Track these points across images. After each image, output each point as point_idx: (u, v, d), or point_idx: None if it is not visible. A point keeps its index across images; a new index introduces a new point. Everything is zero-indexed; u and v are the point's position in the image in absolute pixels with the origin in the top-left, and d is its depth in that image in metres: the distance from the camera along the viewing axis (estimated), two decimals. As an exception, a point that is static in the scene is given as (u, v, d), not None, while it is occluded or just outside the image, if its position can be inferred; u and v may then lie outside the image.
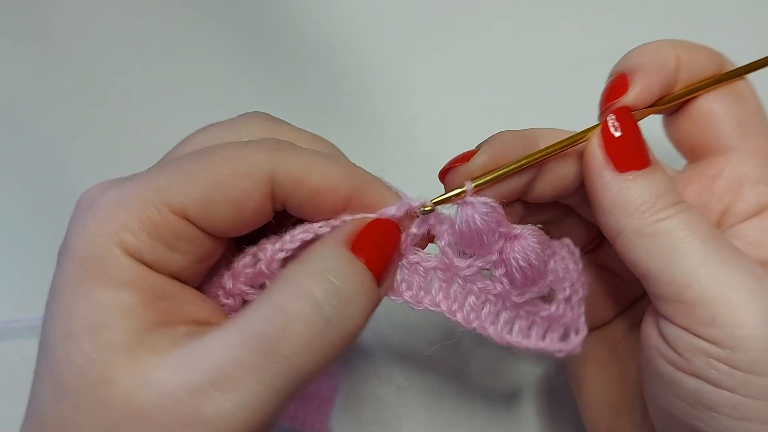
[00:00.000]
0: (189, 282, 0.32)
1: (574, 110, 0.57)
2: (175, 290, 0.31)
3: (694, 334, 0.31)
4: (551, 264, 0.37)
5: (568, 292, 0.37)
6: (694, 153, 0.38)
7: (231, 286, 0.33)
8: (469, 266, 0.35)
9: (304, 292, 0.29)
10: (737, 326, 0.30)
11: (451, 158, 0.36)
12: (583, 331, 0.38)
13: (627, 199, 0.33)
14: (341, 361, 0.49)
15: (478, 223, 0.34)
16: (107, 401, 0.28)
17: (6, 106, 0.59)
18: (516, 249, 0.35)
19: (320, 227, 0.32)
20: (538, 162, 0.35)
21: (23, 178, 0.57)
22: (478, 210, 0.34)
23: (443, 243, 0.35)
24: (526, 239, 0.35)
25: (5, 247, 0.55)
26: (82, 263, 0.29)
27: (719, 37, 0.60)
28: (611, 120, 0.35)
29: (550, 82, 0.59)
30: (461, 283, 0.35)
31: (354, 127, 0.58)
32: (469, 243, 0.35)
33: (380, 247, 0.32)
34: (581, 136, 0.35)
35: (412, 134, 0.57)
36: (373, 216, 0.33)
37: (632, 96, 0.35)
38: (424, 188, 0.56)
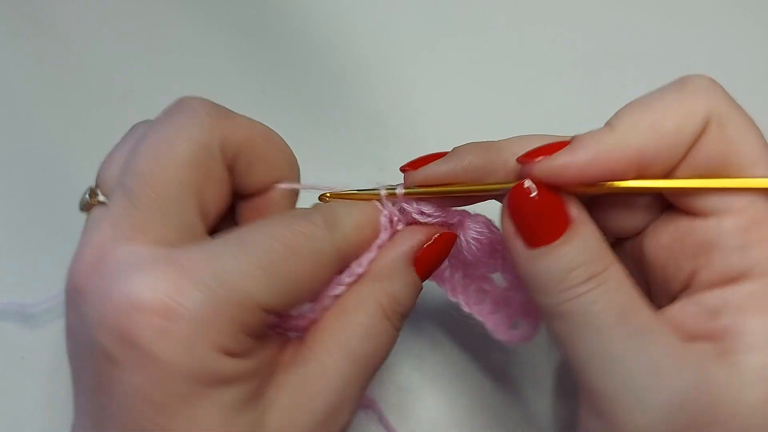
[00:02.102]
0: None
1: (575, 110, 0.57)
2: (263, 354, 0.32)
3: (599, 421, 0.30)
4: (498, 255, 0.38)
5: (514, 282, 0.39)
6: (676, 202, 0.34)
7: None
8: (475, 270, 0.40)
9: (383, 312, 0.34)
10: (630, 423, 0.29)
11: (419, 156, 0.36)
12: (530, 328, 0.39)
13: (536, 277, 0.31)
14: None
15: (474, 249, 0.37)
16: None
17: (6, 105, 0.59)
18: (470, 227, 0.37)
19: (360, 267, 0.36)
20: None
21: (23, 177, 0.57)
22: (470, 235, 0.37)
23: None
24: (478, 220, 0.37)
25: (5, 246, 0.55)
26: (191, 378, 0.28)
27: (720, 37, 0.60)
28: (520, 189, 0.31)
29: (551, 81, 0.58)
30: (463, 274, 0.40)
31: (354, 126, 0.58)
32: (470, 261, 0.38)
33: (438, 261, 0.37)
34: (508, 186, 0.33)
35: (413, 133, 0.57)
36: (435, 230, 0.36)
37: (541, 166, 0.31)
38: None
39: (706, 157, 0.31)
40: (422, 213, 0.36)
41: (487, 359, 0.50)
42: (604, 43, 0.60)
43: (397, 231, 0.37)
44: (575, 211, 0.31)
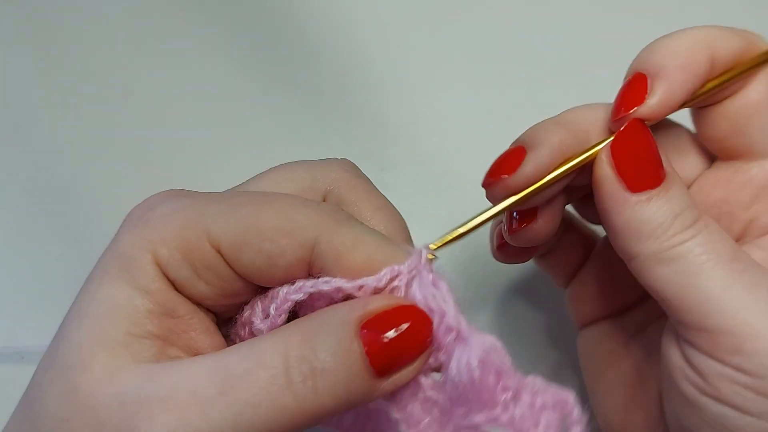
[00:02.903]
0: (216, 311, 0.33)
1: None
2: (187, 314, 0.31)
3: (720, 361, 0.30)
4: (506, 395, 0.29)
5: None
6: (725, 153, 0.35)
7: (245, 318, 0.33)
8: (468, 420, 0.29)
9: (284, 347, 0.28)
10: (764, 355, 0.29)
11: (492, 163, 0.33)
12: None
13: (642, 223, 0.31)
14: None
15: (474, 373, 0.28)
16: (75, 384, 0.28)
17: (6, 106, 0.59)
18: (467, 351, 0.28)
19: (327, 285, 0.30)
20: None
21: (24, 177, 0.57)
22: (475, 353, 0.28)
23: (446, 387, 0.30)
24: (481, 342, 0.28)
25: (5, 245, 0.55)
26: (118, 258, 0.31)
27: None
28: (622, 135, 0.32)
29: (554, 81, 0.58)
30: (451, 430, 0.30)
31: (355, 126, 0.58)
32: (465, 395, 0.29)
33: (399, 348, 0.28)
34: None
35: (414, 133, 0.57)
36: (400, 300, 0.29)
37: (650, 107, 0.32)
38: (425, 186, 0.56)
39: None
40: (435, 284, 0.29)
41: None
42: (605, 42, 0.59)
43: (393, 289, 0.30)
44: (666, 161, 0.32)
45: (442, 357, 0.29)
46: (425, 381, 0.30)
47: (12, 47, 0.61)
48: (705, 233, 0.31)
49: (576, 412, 0.29)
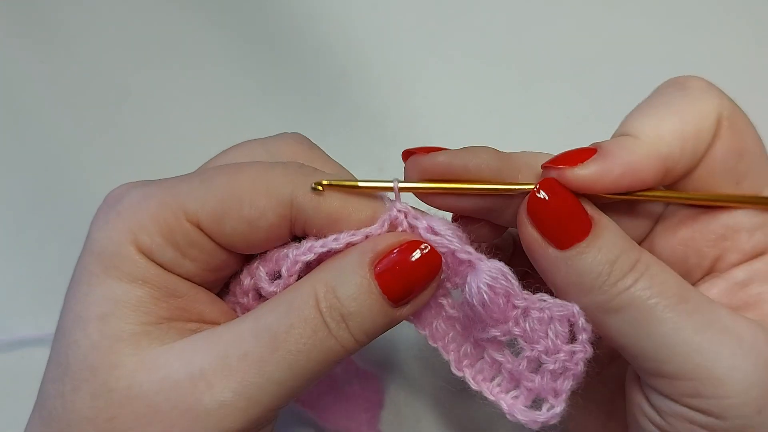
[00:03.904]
0: (205, 287, 0.33)
1: (575, 110, 0.57)
2: (188, 290, 0.32)
3: (679, 403, 0.30)
4: (516, 311, 0.32)
5: (534, 353, 0.32)
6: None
7: (248, 283, 0.34)
8: (485, 333, 0.33)
9: (315, 299, 0.30)
10: (723, 397, 0.29)
11: (425, 146, 0.34)
12: (558, 407, 0.32)
13: (580, 277, 0.30)
14: (384, 366, 0.49)
15: (485, 296, 0.31)
16: (107, 384, 0.29)
17: (7, 106, 0.59)
18: (477, 276, 0.31)
19: (336, 242, 0.32)
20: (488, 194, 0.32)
21: (24, 177, 0.57)
22: (483, 279, 0.31)
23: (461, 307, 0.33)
24: (490, 266, 0.31)
25: (5, 244, 0.55)
26: (99, 257, 0.31)
27: (719, 36, 0.60)
28: (539, 194, 0.31)
29: (551, 81, 0.58)
30: (472, 342, 0.34)
31: (354, 126, 0.58)
32: (480, 315, 0.32)
33: (410, 281, 0.31)
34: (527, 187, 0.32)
35: (413, 133, 0.57)
36: (407, 237, 0.32)
37: (575, 174, 0.31)
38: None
39: (723, 154, 0.32)
40: (432, 230, 0.32)
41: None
42: (603, 45, 0.60)
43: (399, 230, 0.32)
44: (590, 208, 0.31)
45: (458, 281, 0.33)
46: (446, 301, 0.34)
47: (12, 47, 0.61)
48: (647, 276, 0.30)
49: (582, 320, 0.31)
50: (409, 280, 0.31)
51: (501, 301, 0.31)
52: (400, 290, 0.31)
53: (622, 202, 0.33)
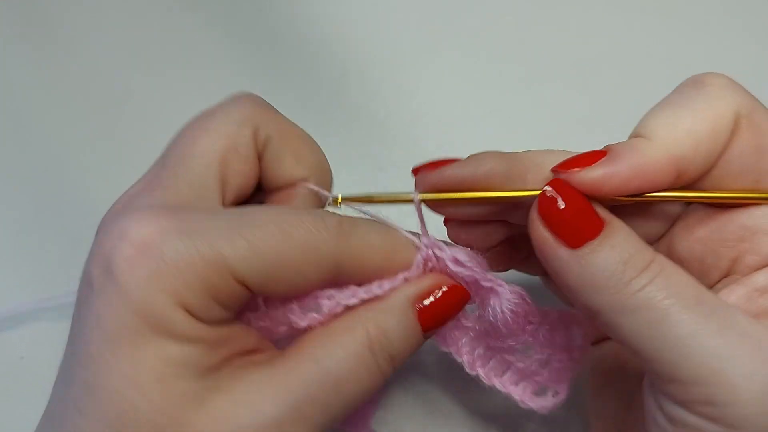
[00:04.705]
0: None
1: (576, 111, 0.57)
2: (230, 333, 0.32)
3: (691, 411, 0.29)
4: (533, 326, 0.36)
5: (545, 356, 0.37)
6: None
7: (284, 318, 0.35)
8: (501, 343, 0.37)
9: (367, 341, 0.32)
10: (738, 405, 0.28)
11: (432, 159, 0.35)
12: (562, 394, 0.36)
13: (593, 276, 0.30)
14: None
15: (509, 318, 0.34)
16: None
17: (7, 107, 0.59)
18: (498, 302, 0.35)
19: (380, 288, 0.34)
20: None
21: (24, 177, 0.57)
22: (507, 305, 0.34)
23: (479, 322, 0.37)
24: (509, 293, 0.34)
25: (6, 246, 0.55)
26: (144, 316, 0.29)
27: (718, 37, 0.60)
28: (549, 193, 0.31)
29: (553, 82, 0.58)
30: (485, 346, 0.37)
31: (354, 127, 0.58)
32: (500, 332, 0.36)
33: (444, 316, 0.35)
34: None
35: (413, 134, 0.57)
36: (442, 279, 0.35)
37: (583, 176, 0.31)
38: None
39: (741, 153, 0.32)
40: (456, 261, 0.34)
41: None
42: (605, 45, 0.60)
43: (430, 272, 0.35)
44: (601, 210, 0.31)
45: (476, 300, 0.36)
46: (461, 315, 0.37)
47: (12, 48, 0.61)
48: (662, 276, 0.29)
49: (585, 324, 0.36)
50: (445, 317, 0.35)
51: (520, 320, 0.35)
52: (436, 326, 0.34)
53: (636, 203, 0.33)
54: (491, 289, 0.34)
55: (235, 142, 0.35)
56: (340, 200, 0.35)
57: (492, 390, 0.37)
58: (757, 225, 0.32)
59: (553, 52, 0.60)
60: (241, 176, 0.35)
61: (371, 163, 0.56)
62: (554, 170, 0.32)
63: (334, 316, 0.34)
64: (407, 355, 0.34)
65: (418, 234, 0.35)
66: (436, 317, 0.34)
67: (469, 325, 0.37)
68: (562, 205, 0.31)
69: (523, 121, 0.56)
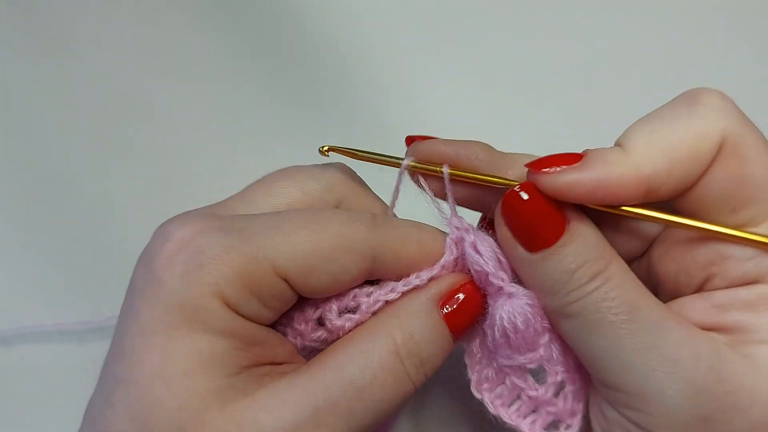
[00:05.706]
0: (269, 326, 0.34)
1: (575, 111, 0.57)
2: (265, 335, 0.32)
3: (618, 413, 0.32)
4: (544, 338, 0.34)
5: (559, 378, 0.34)
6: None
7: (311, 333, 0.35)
8: (511, 360, 0.35)
9: (393, 346, 0.32)
10: (651, 414, 0.30)
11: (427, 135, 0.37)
12: (575, 426, 0.34)
13: (542, 281, 0.32)
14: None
15: (519, 325, 0.33)
16: None
17: (7, 107, 0.59)
18: (505, 307, 0.33)
19: (419, 279, 0.34)
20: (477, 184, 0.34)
21: (24, 178, 0.57)
22: (518, 309, 0.33)
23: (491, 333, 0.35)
24: (519, 300, 0.33)
25: (6, 246, 0.55)
26: (180, 308, 0.30)
27: (717, 38, 0.60)
28: (513, 196, 0.32)
29: (551, 83, 0.59)
30: (495, 368, 0.36)
31: (354, 126, 0.58)
32: (510, 342, 0.34)
33: (470, 314, 0.34)
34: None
35: (413, 133, 0.57)
36: (465, 277, 0.34)
37: (551, 180, 0.31)
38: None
39: (722, 180, 0.31)
40: (474, 248, 0.33)
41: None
42: (606, 47, 0.60)
43: (463, 256, 0.34)
44: (570, 212, 0.32)
45: (490, 302, 0.34)
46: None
47: (13, 49, 0.61)
48: (603, 289, 0.31)
49: None
50: (472, 317, 0.34)
51: (531, 331, 0.33)
52: (465, 327, 0.34)
53: (611, 214, 0.33)
54: (499, 290, 0.33)
55: (313, 202, 0.35)
56: (326, 149, 0.36)
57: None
58: (728, 251, 0.32)
59: (554, 52, 0.60)
60: None
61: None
62: (528, 166, 0.32)
63: (374, 314, 0.34)
64: (438, 361, 0.33)
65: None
66: (461, 313, 0.34)
67: (480, 342, 0.35)
68: (522, 212, 0.31)
69: (523, 121, 0.57)
